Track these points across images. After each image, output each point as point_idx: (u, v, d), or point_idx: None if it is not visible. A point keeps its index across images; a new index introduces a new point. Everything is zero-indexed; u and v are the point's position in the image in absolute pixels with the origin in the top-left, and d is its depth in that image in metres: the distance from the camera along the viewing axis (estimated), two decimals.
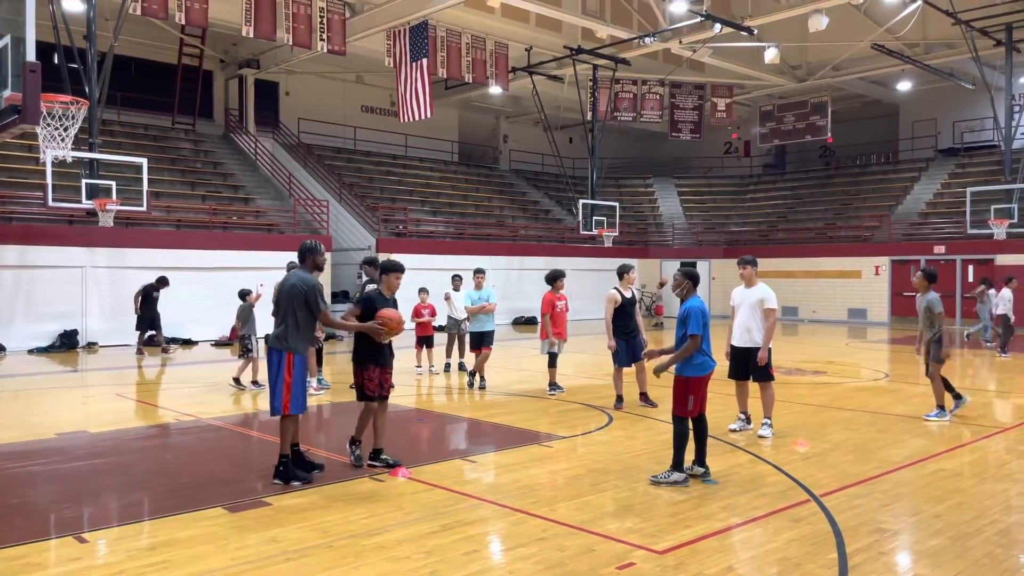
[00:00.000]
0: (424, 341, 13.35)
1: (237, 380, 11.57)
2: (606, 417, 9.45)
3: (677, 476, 6.42)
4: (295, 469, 6.47)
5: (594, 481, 6.59)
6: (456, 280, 13.75)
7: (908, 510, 5.86)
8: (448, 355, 13.81)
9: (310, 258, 6.66)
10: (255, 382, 11.59)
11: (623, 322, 9.81)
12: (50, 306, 17.44)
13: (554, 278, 11.04)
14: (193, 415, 9.87)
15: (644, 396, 10.03)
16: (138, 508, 5.98)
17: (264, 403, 10.53)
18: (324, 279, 20.68)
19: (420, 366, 13.48)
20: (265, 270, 18.39)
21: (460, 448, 8.22)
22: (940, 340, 9.40)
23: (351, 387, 6.72)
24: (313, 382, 11.38)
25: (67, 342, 17.42)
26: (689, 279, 6.73)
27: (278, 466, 6.46)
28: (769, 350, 8.26)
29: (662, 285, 27.81)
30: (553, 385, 11.21)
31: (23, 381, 13.06)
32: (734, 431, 8.49)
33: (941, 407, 9.41)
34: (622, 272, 10.01)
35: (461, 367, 13.53)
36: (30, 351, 16.92)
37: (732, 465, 7.12)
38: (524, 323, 25.81)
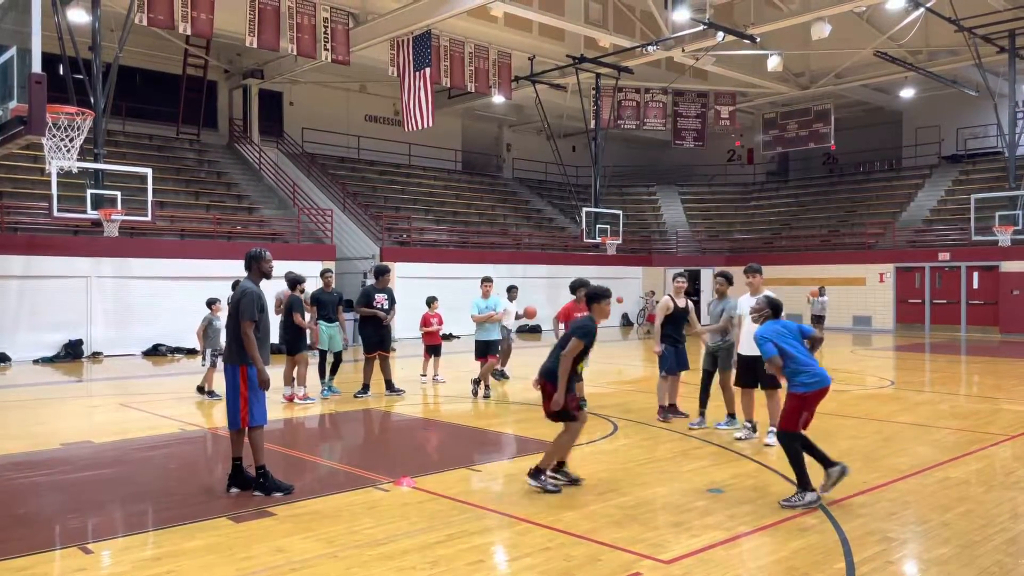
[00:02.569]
0: (432, 350, 13.37)
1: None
2: (611, 426, 9.43)
3: (811, 497, 6.03)
4: (276, 479, 6.44)
5: (600, 490, 6.57)
6: (512, 291, 13.76)
7: (915, 519, 5.82)
8: (502, 364, 13.82)
9: (255, 266, 6.59)
10: (205, 389, 11.66)
11: (673, 330, 9.71)
12: (55, 316, 17.46)
13: (574, 288, 10.80)
14: (198, 424, 9.87)
15: (673, 407, 9.91)
16: (143, 518, 5.97)
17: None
18: None
19: (425, 375, 13.46)
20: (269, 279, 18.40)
21: (465, 457, 8.19)
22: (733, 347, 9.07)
23: (555, 413, 6.55)
24: (302, 390, 11.33)
25: (72, 352, 17.44)
26: (771, 308, 6.62)
27: (257, 478, 6.43)
28: None
29: (652, 294, 28.62)
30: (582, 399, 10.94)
31: (27, 391, 13.08)
32: (740, 440, 8.46)
33: (732, 415, 9.21)
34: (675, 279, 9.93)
35: (502, 375, 13.68)
36: (35, 361, 16.94)
37: (738, 474, 7.10)
38: (528, 331, 25.77)
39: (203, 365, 11.81)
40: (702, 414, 9.21)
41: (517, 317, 13.56)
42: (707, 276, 29.98)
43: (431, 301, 13.39)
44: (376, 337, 11.63)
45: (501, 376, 13.70)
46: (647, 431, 9.11)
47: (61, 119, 8.71)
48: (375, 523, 5.67)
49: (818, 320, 21.37)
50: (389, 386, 11.86)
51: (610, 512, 5.94)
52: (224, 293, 17.95)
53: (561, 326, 10.60)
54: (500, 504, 6.18)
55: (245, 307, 6.33)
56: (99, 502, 6.35)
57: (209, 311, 11.62)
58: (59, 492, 6.67)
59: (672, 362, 9.71)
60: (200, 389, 11.71)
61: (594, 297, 6.80)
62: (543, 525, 5.61)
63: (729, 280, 9.22)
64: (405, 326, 20.46)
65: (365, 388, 11.74)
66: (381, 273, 11.78)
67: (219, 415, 10.38)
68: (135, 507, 6.23)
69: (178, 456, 8.27)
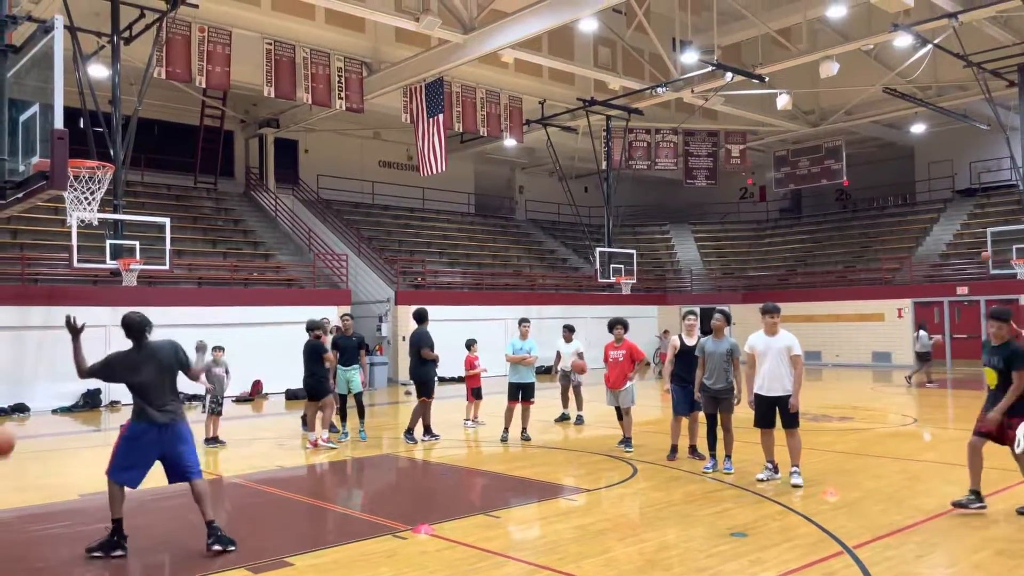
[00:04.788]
0: (476, 393, 13.33)
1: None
2: (630, 469, 9.32)
3: None
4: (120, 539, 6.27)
5: (620, 535, 6.47)
6: (567, 331, 13.71)
7: (945, 561, 5.70)
8: (564, 405, 13.78)
9: (148, 329, 6.72)
10: (216, 438, 11.70)
11: (684, 370, 9.62)
12: (74, 366, 17.51)
13: (610, 326, 10.83)
14: (214, 473, 9.84)
15: (693, 449, 9.77)
16: (160, 570, 5.93)
17: (271, 460, 10.51)
18: None
19: (473, 419, 13.33)
20: (286, 324, 18.53)
21: (483, 503, 8.11)
22: (733, 388, 8.94)
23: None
24: (325, 433, 11.30)
25: (90, 401, 17.51)
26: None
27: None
28: None
29: (667, 333, 27.82)
30: (625, 440, 10.75)
31: (46, 442, 13.11)
32: (761, 481, 8.32)
33: (728, 456, 9.04)
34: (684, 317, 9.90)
35: (571, 419, 13.54)
36: (53, 411, 17.00)
37: (761, 516, 6.98)
38: (543, 373, 25.63)
39: (202, 413, 11.85)
40: (713, 456, 9.06)
41: (578, 368, 13.47)
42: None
43: (471, 344, 13.35)
44: (435, 380, 11.71)
45: (566, 419, 13.54)
46: (667, 473, 9.00)
47: (82, 173, 8.86)
48: (393, 572, 5.61)
49: (921, 358, 19.65)
50: (428, 431, 11.81)
51: (632, 558, 5.85)
52: (240, 340, 18.13)
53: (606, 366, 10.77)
54: (519, 551, 6.10)
55: (184, 361, 6.70)
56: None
57: (211, 357, 11.66)
58: (77, 544, 6.63)
59: (682, 403, 9.61)
60: (208, 441, 11.68)
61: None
62: (564, 572, 5.52)
63: (728, 319, 9.15)
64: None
65: (429, 430, 11.72)
66: (426, 316, 11.84)
67: (233, 463, 10.35)
68: (153, 559, 6.19)
69: (195, 506, 8.22)
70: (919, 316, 26.48)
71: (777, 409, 8.19)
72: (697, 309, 10.72)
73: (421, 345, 11.40)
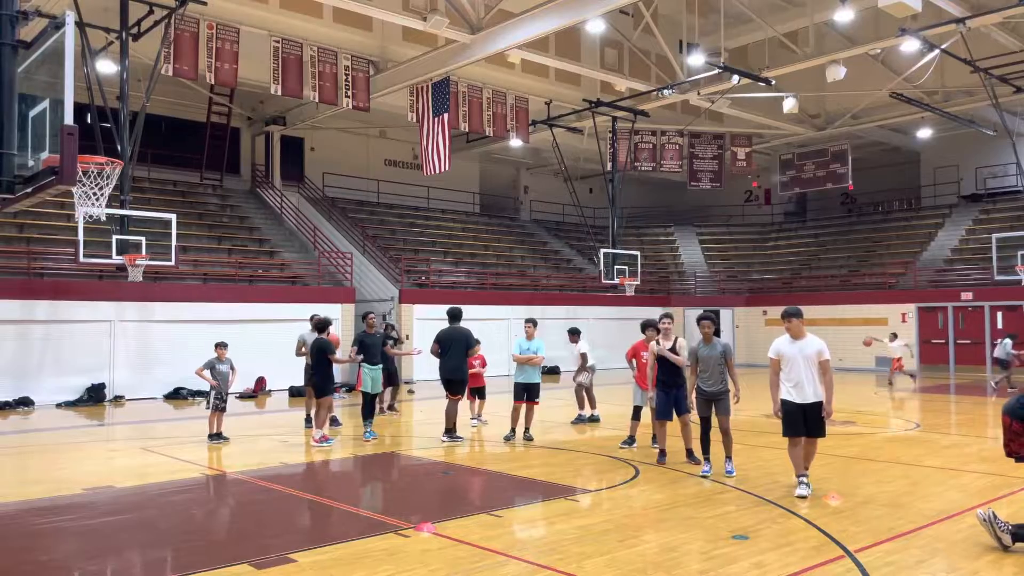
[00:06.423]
0: (476, 392, 13.31)
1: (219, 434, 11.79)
2: (632, 470, 9.34)
3: None
4: None
5: (622, 536, 6.49)
6: (570, 334, 13.76)
7: (946, 566, 5.71)
8: (580, 407, 13.82)
9: None
10: (219, 434, 11.75)
11: (664, 374, 9.56)
12: (78, 360, 17.63)
13: (643, 327, 10.81)
14: (218, 469, 9.89)
15: (690, 452, 9.66)
16: (163, 565, 5.96)
17: (274, 457, 10.54)
18: (348, 329, 20.82)
19: (476, 417, 13.37)
20: (290, 322, 18.55)
21: (485, 502, 8.13)
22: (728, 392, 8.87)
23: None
24: (318, 433, 11.29)
25: (94, 396, 17.57)
26: None
27: None
28: None
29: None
30: (630, 440, 10.94)
31: (50, 436, 13.16)
32: (803, 497, 7.78)
33: (729, 458, 9.01)
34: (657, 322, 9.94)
35: (585, 419, 13.61)
36: (58, 405, 17.06)
37: (763, 519, 6.99)
38: (547, 373, 25.66)
39: (206, 409, 11.92)
40: (707, 460, 8.98)
41: (586, 366, 13.56)
42: (726, 316, 29.87)
43: (475, 343, 13.38)
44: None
45: (588, 419, 13.58)
46: (669, 475, 9.01)
47: (91, 168, 8.87)
48: (396, 569, 5.63)
49: (1002, 365, 19.72)
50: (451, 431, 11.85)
51: (632, 560, 5.86)
52: (245, 336, 18.18)
53: (634, 362, 10.95)
54: (521, 551, 6.13)
55: None
56: (120, 548, 6.36)
57: (215, 354, 11.75)
58: (82, 538, 6.68)
59: (663, 408, 9.57)
60: (211, 437, 11.72)
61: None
62: (565, 573, 5.55)
63: (715, 323, 9.08)
64: (424, 367, 20.55)
65: (450, 430, 11.75)
66: (460, 314, 11.88)
67: (237, 459, 10.39)
68: (156, 553, 6.22)
69: (199, 501, 8.27)
70: (923, 321, 26.46)
71: (805, 416, 7.89)
72: (672, 313, 10.85)
73: (470, 343, 11.61)
